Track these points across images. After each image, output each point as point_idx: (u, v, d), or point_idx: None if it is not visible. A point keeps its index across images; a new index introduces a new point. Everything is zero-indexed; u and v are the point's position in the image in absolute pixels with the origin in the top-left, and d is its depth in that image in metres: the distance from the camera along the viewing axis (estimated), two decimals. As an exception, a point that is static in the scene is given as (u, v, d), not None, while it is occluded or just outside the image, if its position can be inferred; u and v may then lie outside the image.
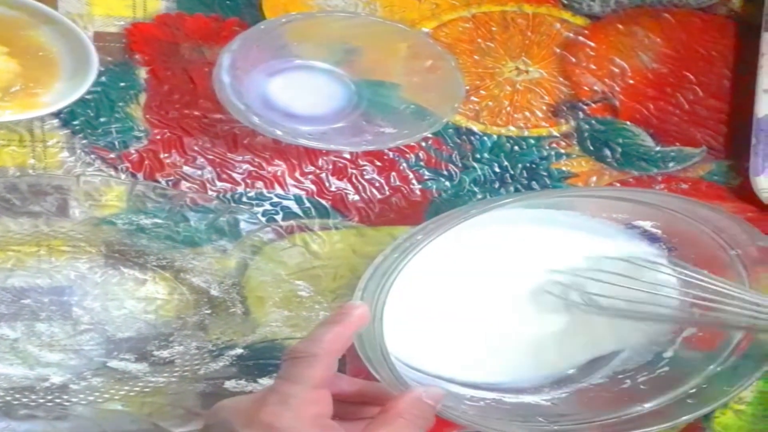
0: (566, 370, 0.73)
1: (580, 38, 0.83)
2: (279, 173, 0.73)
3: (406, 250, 0.60)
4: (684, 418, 0.69)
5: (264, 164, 0.73)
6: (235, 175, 0.72)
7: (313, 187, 0.74)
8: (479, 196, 0.77)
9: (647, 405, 0.70)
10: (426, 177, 0.76)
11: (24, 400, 0.64)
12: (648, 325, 0.74)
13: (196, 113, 0.72)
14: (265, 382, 0.68)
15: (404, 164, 0.76)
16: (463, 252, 0.69)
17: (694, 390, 0.70)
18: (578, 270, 0.71)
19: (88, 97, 0.69)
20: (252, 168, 0.73)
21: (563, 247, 0.72)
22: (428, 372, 0.69)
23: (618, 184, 0.80)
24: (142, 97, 0.72)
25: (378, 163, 0.76)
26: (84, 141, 0.69)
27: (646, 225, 0.72)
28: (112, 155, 0.70)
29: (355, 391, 0.62)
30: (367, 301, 0.60)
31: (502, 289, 0.71)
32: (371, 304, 0.59)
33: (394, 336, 0.61)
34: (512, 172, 0.78)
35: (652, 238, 0.73)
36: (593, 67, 0.82)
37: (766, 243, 0.68)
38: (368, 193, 0.75)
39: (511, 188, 0.78)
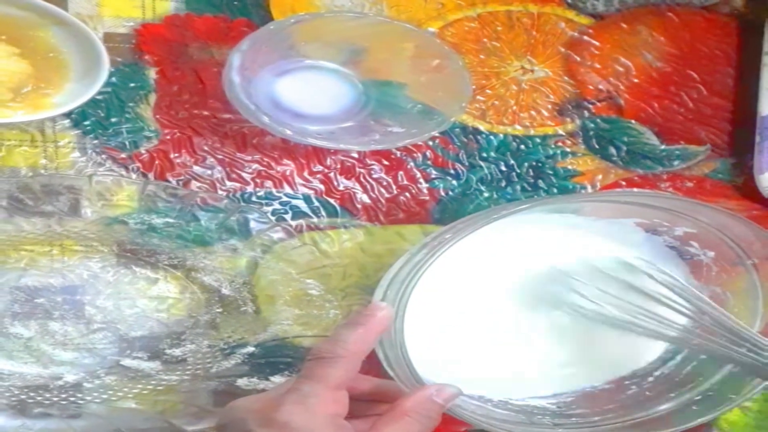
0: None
1: (585, 37, 0.83)
2: (288, 173, 0.74)
3: (433, 249, 0.61)
4: (690, 424, 0.69)
5: (273, 164, 0.73)
6: (244, 174, 0.73)
7: (321, 186, 0.74)
8: (486, 195, 0.77)
9: (652, 410, 0.70)
10: (433, 176, 0.77)
11: (38, 398, 0.64)
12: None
13: (206, 113, 0.73)
14: (277, 380, 0.69)
15: (412, 163, 0.77)
16: (487, 255, 0.70)
17: (699, 397, 0.71)
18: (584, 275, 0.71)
19: (98, 97, 0.69)
20: (261, 167, 0.73)
21: (582, 253, 0.72)
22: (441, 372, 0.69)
23: (624, 183, 0.80)
24: (152, 98, 0.72)
25: (385, 163, 0.76)
26: (95, 141, 0.70)
27: (663, 229, 0.72)
28: (123, 155, 0.70)
29: (367, 388, 0.62)
30: (390, 299, 0.60)
31: (520, 294, 0.71)
32: (394, 302, 0.59)
33: (412, 335, 0.61)
34: (518, 171, 0.79)
35: (671, 246, 0.73)
36: (598, 66, 0.83)
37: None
38: (376, 192, 0.75)
39: (518, 187, 0.78)
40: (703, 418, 0.69)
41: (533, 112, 0.80)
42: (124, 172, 0.70)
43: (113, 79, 0.71)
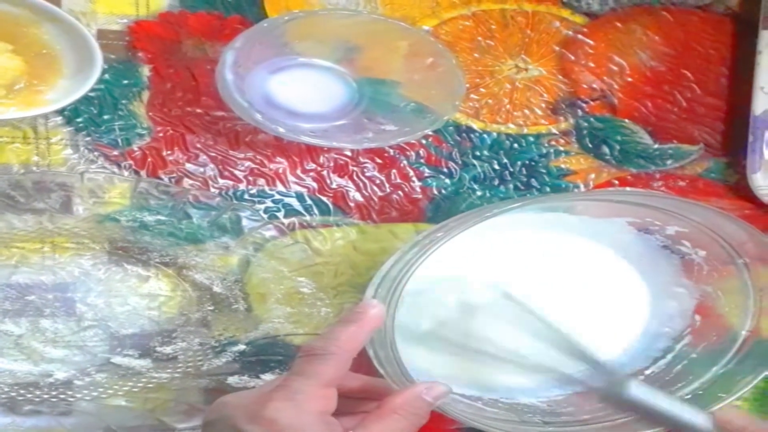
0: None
1: (579, 36, 0.83)
2: (280, 170, 0.74)
3: (425, 247, 0.61)
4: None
5: (266, 161, 0.73)
6: (237, 172, 0.73)
7: (314, 184, 0.74)
8: (479, 194, 0.77)
9: None
10: (426, 174, 0.77)
11: (28, 395, 0.65)
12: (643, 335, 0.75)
13: (199, 111, 0.73)
14: (268, 377, 0.69)
15: (405, 162, 0.77)
16: (478, 254, 0.70)
17: (689, 396, 0.71)
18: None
19: (91, 94, 0.69)
20: (254, 165, 0.73)
21: (571, 254, 0.72)
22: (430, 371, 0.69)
23: (617, 182, 0.80)
24: (145, 95, 0.72)
25: (378, 161, 0.76)
26: (87, 138, 0.70)
27: (655, 228, 0.72)
28: (115, 152, 0.70)
29: (357, 386, 0.62)
30: (381, 297, 0.60)
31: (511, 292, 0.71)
32: (385, 300, 0.59)
33: (403, 333, 0.61)
34: (511, 170, 0.79)
35: (663, 245, 0.73)
36: (592, 65, 0.83)
37: (764, 240, 0.69)
38: (369, 191, 0.75)
39: (511, 186, 0.78)
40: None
41: (527, 111, 0.80)
42: (116, 170, 0.70)
43: (106, 76, 0.71)
